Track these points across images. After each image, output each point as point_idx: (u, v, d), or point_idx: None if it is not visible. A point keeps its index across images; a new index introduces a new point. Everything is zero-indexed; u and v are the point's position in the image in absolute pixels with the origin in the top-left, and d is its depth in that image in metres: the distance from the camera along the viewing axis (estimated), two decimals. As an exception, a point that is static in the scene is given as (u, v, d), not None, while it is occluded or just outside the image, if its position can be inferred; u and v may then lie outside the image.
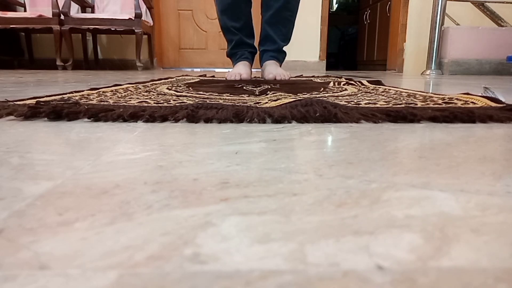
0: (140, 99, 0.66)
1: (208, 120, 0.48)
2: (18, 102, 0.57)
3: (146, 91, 0.81)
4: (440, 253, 0.15)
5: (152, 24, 3.08)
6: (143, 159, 0.30)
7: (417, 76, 2.36)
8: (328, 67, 3.48)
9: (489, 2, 2.79)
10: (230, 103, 0.59)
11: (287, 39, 1.62)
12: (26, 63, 3.03)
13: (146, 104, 0.57)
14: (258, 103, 0.61)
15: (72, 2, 2.65)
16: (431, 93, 0.81)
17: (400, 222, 0.18)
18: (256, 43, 1.65)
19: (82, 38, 3.01)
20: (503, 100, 0.61)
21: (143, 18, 2.71)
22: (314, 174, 0.26)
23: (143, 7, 2.81)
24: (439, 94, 0.76)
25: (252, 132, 0.41)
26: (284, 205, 0.20)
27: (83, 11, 2.90)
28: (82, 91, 0.77)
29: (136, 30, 2.65)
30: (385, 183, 0.24)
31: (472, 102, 0.61)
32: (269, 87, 1.00)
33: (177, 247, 0.16)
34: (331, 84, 1.15)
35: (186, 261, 0.15)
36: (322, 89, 0.95)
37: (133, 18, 2.64)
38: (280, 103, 0.58)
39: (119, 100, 0.63)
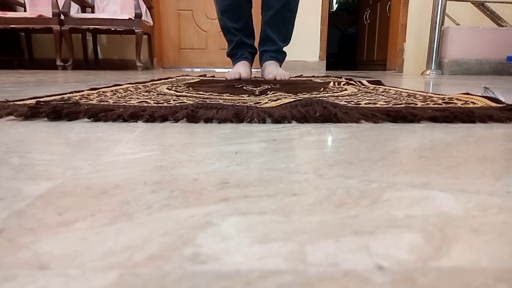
0: (140, 99, 0.66)
1: (208, 120, 0.48)
2: (18, 102, 0.57)
3: (146, 91, 0.81)
4: (440, 253, 0.15)
5: (152, 24, 3.08)
6: (143, 159, 0.30)
7: (417, 76, 2.36)
8: (328, 67, 3.48)
9: (489, 2, 2.79)
10: (230, 103, 0.59)
11: (287, 40, 1.62)
12: (26, 63, 3.03)
13: (146, 104, 0.57)
14: (258, 103, 0.61)
15: (72, 2, 2.65)
16: (431, 93, 0.81)
17: (400, 222, 0.18)
18: (256, 44, 1.65)
19: (82, 38, 3.01)
20: (503, 100, 0.61)
21: (143, 18, 2.71)
22: (314, 174, 0.26)
23: (143, 7, 2.81)
24: (439, 94, 0.76)
25: (252, 132, 0.41)
26: (284, 205, 0.20)
27: (83, 11, 2.90)
28: (82, 91, 0.77)
29: (136, 30, 2.65)
30: (385, 183, 0.24)
31: (472, 102, 0.61)
32: (269, 87, 1.00)
33: (177, 247, 0.16)
34: (331, 84, 1.15)
35: (186, 261, 0.15)
36: (322, 89, 0.95)
37: (133, 18, 2.64)
38: (280, 103, 0.58)
39: (119, 100, 0.63)
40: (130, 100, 0.63)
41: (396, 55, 3.32)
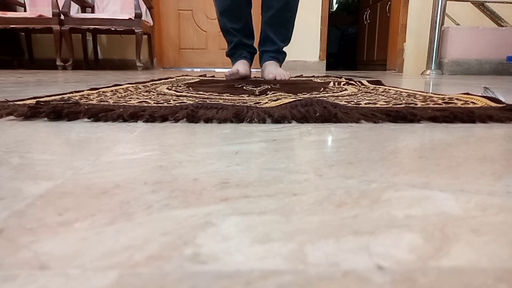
0: (140, 99, 0.66)
1: (208, 120, 0.48)
2: (18, 102, 0.57)
3: (146, 91, 0.81)
4: (440, 253, 0.15)
5: (152, 24, 3.08)
6: (143, 159, 0.30)
7: (417, 76, 2.36)
8: (328, 67, 3.48)
9: (489, 2, 2.79)
10: (230, 103, 0.59)
11: (287, 40, 1.62)
12: (26, 63, 3.03)
13: (146, 104, 0.57)
14: (258, 103, 0.61)
15: (72, 2, 2.65)
16: (431, 93, 0.81)
17: (400, 222, 0.18)
18: (256, 44, 1.65)
19: (82, 38, 3.01)
20: (503, 100, 0.61)
21: (143, 18, 2.71)
22: (314, 174, 0.26)
23: (143, 7, 2.81)
24: (439, 94, 0.76)
25: (252, 132, 0.41)
26: (284, 205, 0.20)
27: (83, 11, 2.90)
28: (82, 91, 0.77)
29: (136, 30, 2.65)
30: (385, 183, 0.24)
31: (472, 102, 0.61)
32: (269, 87, 1.00)
33: (177, 247, 0.16)
34: (331, 84, 1.15)
35: (186, 261, 0.15)
36: (322, 89, 0.95)
37: (133, 18, 2.64)
38: (280, 103, 0.58)
39: (119, 100, 0.63)
40: (130, 100, 0.63)
41: (396, 55, 3.32)
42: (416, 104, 0.60)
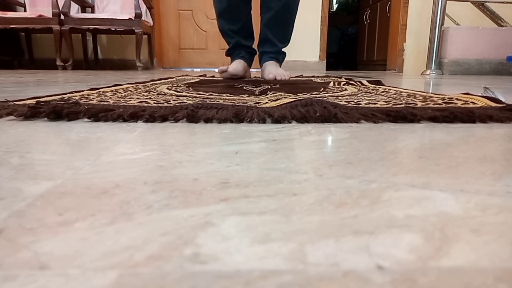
0: (140, 99, 0.66)
1: (208, 120, 0.48)
2: (18, 102, 0.57)
3: (146, 91, 0.81)
4: (440, 253, 0.15)
5: (152, 24, 3.08)
6: (143, 159, 0.30)
7: (417, 76, 2.36)
8: (328, 67, 3.48)
9: (489, 2, 2.79)
10: (230, 103, 0.59)
11: (286, 41, 1.62)
12: (26, 63, 3.03)
13: (146, 104, 0.57)
14: (258, 103, 0.61)
15: (72, 2, 2.65)
16: (431, 93, 0.81)
17: (400, 222, 0.18)
18: (255, 45, 1.65)
19: (82, 38, 3.01)
20: (503, 100, 0.61)
21: (143, 18, 2.71)
22: (314, 174, 0.26)
23: (143, 7, 2.81)
24: (439, 94, 0.76)
25: (252, 132, 0.41)
26: (284, 205, 0.20)
27: (83, 11, 2.90)
28: (82, 91, 0.77)
29: (136, 30, 2.65)
30: (385, 183, 0.24)
31: (472, 102, 0.61)
32: (269, 87, 1.00)
33: (177, 247, 0.16)
34: (331, 84, 1.15)
35: (186, 261, 0.15)
36: (322, 89, 0.95)
37: (133, 18, 2.64)
38: (280, 103, 0.58)
39: (119, 100, 0.63)
40: (130, 100, 0.63)
41: (396, 55, 3.32)
42: (416, 104, 0.60)
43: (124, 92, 0.78)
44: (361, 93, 0.82)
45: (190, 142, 0.36)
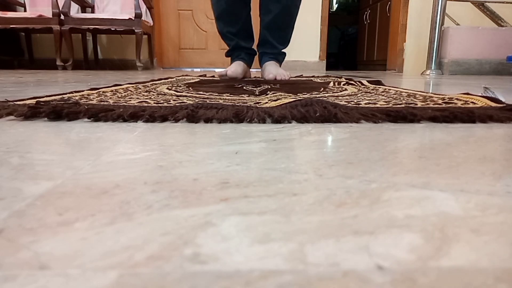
0: (140, 99, 0.66)
1: (208, 120, 0.48)
2: (18, 102, 0.57)
3: (146, 91, 0.81)
4: (440, 253, 0.15)
5: (152, 24, 3.08)
6: (143, 159, 0.30)
7: (417, 76, 2.36)
8: (328, 67, 3.48)
9: (489, 2, 2.79)
10: (230, 103, 0.59)
11: (286, 42, 1.61)
12: (26, 63, 3.03)
13: (146, 104, 0.57)
14: (258, 103, 0.61)
15: (72, 2, 2.65)
16: (431, 93, 0.81)
17: (400, 222, 0.18)
18: (255, 45, 1.64)
19: (82, 38, 3.01)
20: (503, 100, 0.61)
21: (143, 18, 2.71)
22: (314, 174, 0.26)
23: (143, 7, 2.81)
24: (439, 94, 0.76)
25: (252, 132, 0.41)
26: (284, 205, 0.20)
27: (83, 11, 2.90)
28: (82, 91, 0.77)
29: (136, 30, 2.65)
30: (385, 183, 0.24)
31: (472, 102, 0.61)
32: (269, 87, 1.00)
33: (177, 247, 0.16)
34: (331, 84, 1.15)
35: (186, 261, 0.15)
36: (322, 89, 0.95)
37: (133, 18, 2.64)
38: (280, 103, 0.58)
39: (119, 100, 0.63)
40: (130, 100, 0.63)
41: (396, 55, 3.32)
42: (416, 104, 0.60)
43: (124, 92, 0.78)
44: (361, 93, 0.82)
45: (190, 142, 0.36)
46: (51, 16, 2.56)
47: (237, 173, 0.26)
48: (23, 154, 0.31)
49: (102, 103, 0.58)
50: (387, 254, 0.15)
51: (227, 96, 0.74)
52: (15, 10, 2.94)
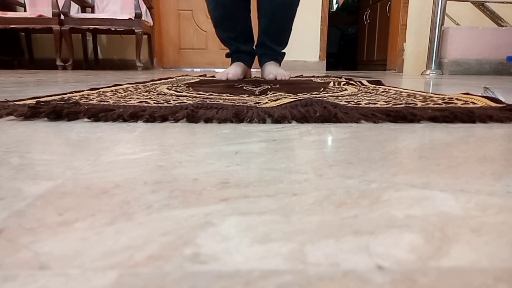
0: (140, 99, 0.66)
1: (208, 120, 0.48)
2: (18, 102, 0.57)
3: (146, 91, 0.81)
4: (440, 253, 0.15)
5: (152, 24, 3.08)
6: (143, 159, 0.30)
7: (417, 76, 2.36)
8: (328, 67, 3.48)
9: (489, 2, 2.79)
10: (230, 103, 0.59)
11: (284, 43, 1.61)
12: (26, 63, 3.03)
13: (146, 104, 0.57)
14: (258, 103, 0.61)
15: (72, 2, 2.65)
16: (431, 93, 0.81)
17: (400, 222, 0.18)
18: (255, 46, 1.64)
19: (82, 38, 3.01)
20: (503, 100, 0.61)
21: (143, 18, 2.71)
22: (314, 174, 0.26)
23: (143, 7, 2.81)
24: (439, 94, 0.76)
25: (252, 132, 0.41)
26: (284, 205, 0.20)
27: (83, 11, 2.90)
28: (82, 91, 0.77)
29: (136, 30, 2.65)
30: (385, 183, 0.24)
31: (472, 102, 0.61)
32: (269, 87, 1.00)
33: (177, 247, 0.16)
34: (331, 84, 1.15)
35: (186, 261, 0.15)
36: (322, 89, 0.95)
37: (133, 18, 2.64)
38: (280, 103, 0.58)
39: (119, 100, 0.63)
40: (130, 100, 0.63)
41: (396, 55, 3.32)
42: (416, 104, 0.60)
43: (124, 92, 0.78)
44: (361, 93, 0.82)
45: (190, 142, 0.36)
46: (51, 16, 2.56)
47: (237, 173, 0.26)
48: (23, 154, 0.31)
49: (102, 103, 0.58)
50: (387, 254, 0.15)
51: (227, 96, 0.74)
52: (15, 10, 2.94)
